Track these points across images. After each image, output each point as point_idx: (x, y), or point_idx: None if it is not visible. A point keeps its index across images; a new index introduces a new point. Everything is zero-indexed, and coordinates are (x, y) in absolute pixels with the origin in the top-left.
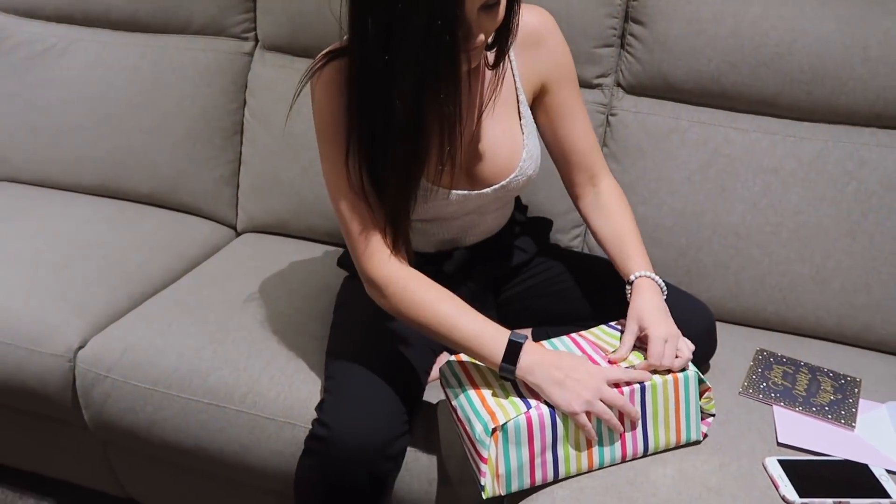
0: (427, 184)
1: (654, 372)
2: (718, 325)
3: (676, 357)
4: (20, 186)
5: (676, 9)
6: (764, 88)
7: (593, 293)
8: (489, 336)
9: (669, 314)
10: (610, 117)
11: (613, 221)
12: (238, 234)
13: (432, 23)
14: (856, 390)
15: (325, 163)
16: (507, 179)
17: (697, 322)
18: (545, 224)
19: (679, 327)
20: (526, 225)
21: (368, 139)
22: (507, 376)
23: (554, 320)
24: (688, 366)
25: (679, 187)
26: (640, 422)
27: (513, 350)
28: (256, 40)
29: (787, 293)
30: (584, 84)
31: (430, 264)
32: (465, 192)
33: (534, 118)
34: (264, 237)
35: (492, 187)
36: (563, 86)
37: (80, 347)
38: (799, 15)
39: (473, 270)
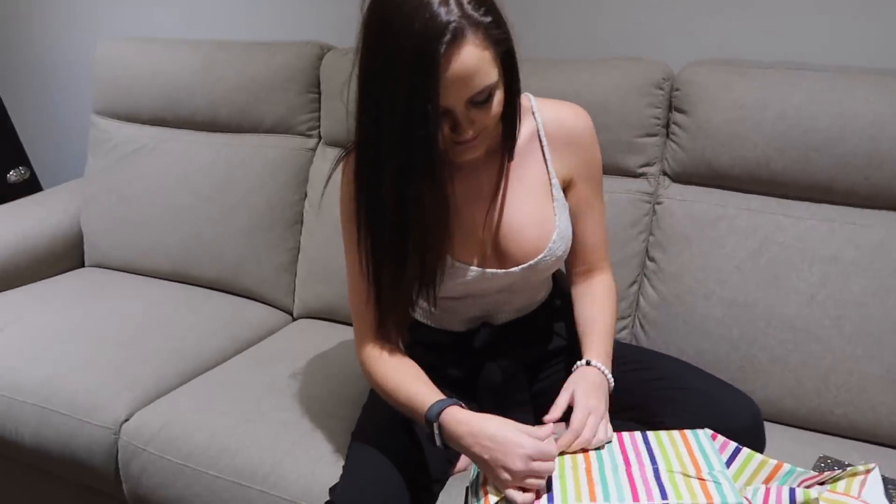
0: (453, 261)
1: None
2: (778, 427)
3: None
4: (105, 271)
5: (719, 96)
6: (817, 174)
7: (634, 386)
8: (421, 399)
9: (604, 398)
10: (656, 206)
11: (591, 309)
12: (294, 320)
13: (408, 118)
14: None
15: (343, 240)
16: (536, 259)
17: (739, 416)
18: None
19: (719, 421)
20: (562, 311)
21: (368, 224)
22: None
23: None
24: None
25: (728, 276)
26: None
27: (435, 411)
28: (320, 137)
29: (855, 395)
30: (628, 173)
31: (460, 342)
32: (493, 270)
33: None
34: (317, 323)
35: (520, 266)
36: (586, 184)
37: (126, 420)
38: (849, 98)
39: (505, 349)
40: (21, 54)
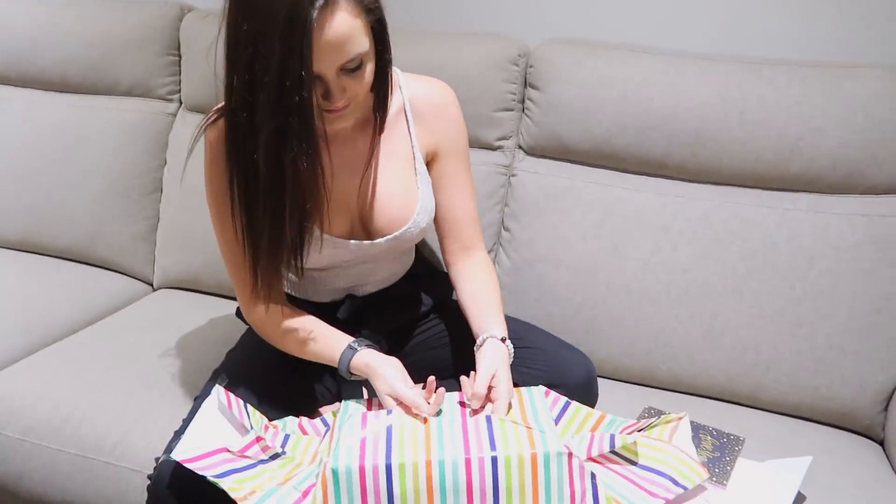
0: (319, 233)
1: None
2: (614, 384)
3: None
4: None
5: (569, 74)
6: (652, 150)
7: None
8: (333, 345)
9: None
10: (511, 178)
11: (475, 285)
12: (154, 290)
13: (283, 82)
14: (737, 448)
15: (211, 213)
16: (401, 231)
17: (574, 371)
18: (445, 278)
19: (556, 376)
20: (424, 279)
21: (242, 192)
22: (344, 376)
23: (447, 373)
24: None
25: (574, 245)
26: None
27: (347, 354)
28: (181, 102)
29: (678, 351)
30: (486, 146)
31: (324, 313)
32: (359, 241)
33: None
34: (178, 293)
35: (385, 237)
36: (450, 158)
37: None
38: (681, 80)
39: (369, 320)
40: None
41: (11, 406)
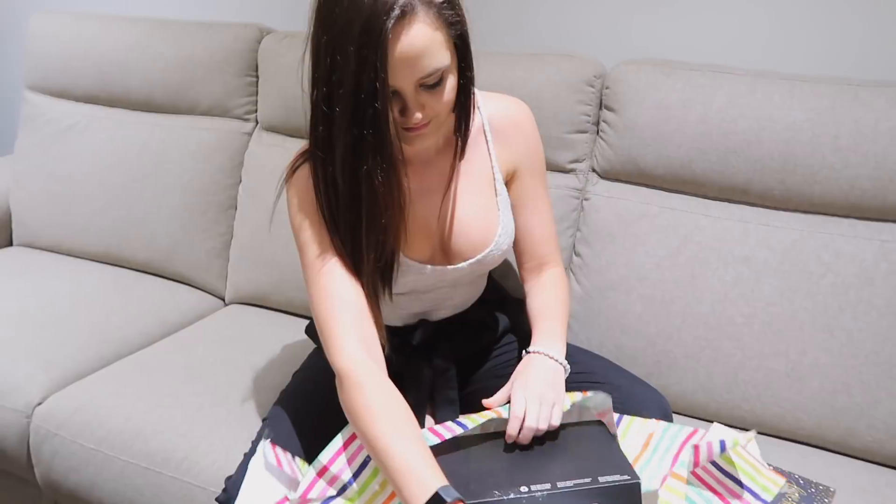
0: (402, 257)
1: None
2: (690, 421)
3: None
4: (33, 251)
5: (646, 95)
6: (735, 176)
7: None
8: (417, 477)
9: (554, 385)
10: (584, 202)
11: (539, 299)
12: (226, 305)
13: (358, 94)
14: (826, 500)
15: (306, 249)
16: (482, 254)
17: (650, 412)
18: (517, 305)
19: (631, 415)
20: (495, 305)
21: (328, 209)
22: None
23: None
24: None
25: (648, 274)
26: None
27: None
28: (257, 121)
29: (761, 390)
30: (558, 169)
31: (397, 337)
32: (442, 266)
33: None
34: (248, 308)
35: (467, 261)
36: (530, 175)
37: (39, 404)
38: (767, 103)
39: (441, 345)
40: None
41: (86, 416)
